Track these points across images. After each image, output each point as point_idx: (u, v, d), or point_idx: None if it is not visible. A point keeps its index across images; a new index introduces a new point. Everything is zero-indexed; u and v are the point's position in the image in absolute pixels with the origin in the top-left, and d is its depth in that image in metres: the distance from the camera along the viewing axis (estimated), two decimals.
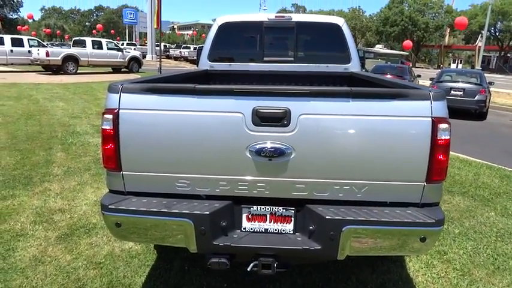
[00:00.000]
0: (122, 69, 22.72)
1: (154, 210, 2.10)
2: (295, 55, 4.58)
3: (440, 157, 2.04)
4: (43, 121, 8.25)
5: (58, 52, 19.67)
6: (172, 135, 2.11)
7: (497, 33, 47.26)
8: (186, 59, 41.07)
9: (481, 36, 48.25)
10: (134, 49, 28.06)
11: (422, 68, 49.15)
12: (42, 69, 20.05)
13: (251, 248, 2.12)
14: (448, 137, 2.03)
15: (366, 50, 35.41)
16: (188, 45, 47.55)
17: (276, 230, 2.22)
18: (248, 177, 2.12)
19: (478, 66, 24.70)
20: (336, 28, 4.51)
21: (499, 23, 44.17)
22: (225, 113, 2.07)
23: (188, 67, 33.84)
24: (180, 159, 2.14)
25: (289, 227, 2.21)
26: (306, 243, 2.12)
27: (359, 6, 64.00)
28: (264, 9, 51.66)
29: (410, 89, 2.16)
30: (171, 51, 45.34)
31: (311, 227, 2.12)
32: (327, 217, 2.04)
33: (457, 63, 59.66)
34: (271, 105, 2.04)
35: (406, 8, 53.54)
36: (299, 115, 2.02)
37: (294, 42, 4.58)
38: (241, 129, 2.05)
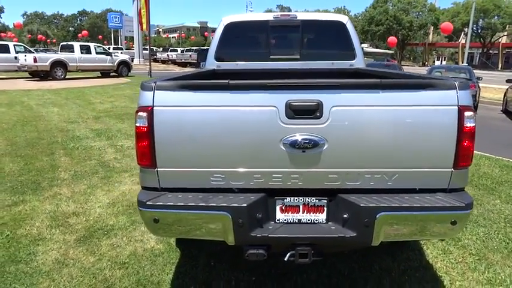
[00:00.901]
0: (111, 74, 22.55)
1: (193, 204, 2.13)
2: (301, 53, 4.65)
3: (466, 144, 2.12)
4: (40, 127, 8.17)
5: (46, 58, 19.44)
6: (206, 130, 2.15)
7: (479, 31, 48.26)
8: (174, 62, 40.93)
9: (464, 34, 49.24)
10: (121, 53, 27.82)
11: (407, 66, 49.82)
12: (29, 76, 19.79)
13: (288, 238, 2.18)
14: (473, 124, 2.12)
15: None
16: (175, 48, 47.32)
17: (309, 220, 2.27)
18: (282, 170, 2.18)
19: (464, 63, 25.16)
20: (341, 25, 4.60)
21: (480, 20, 45.10)
22: (259, 107, 2.12)
23: (177, 70, 33.73)
24: (214, 154, 2.18)
25: (322, 216, 2.27)
26: (341, 231, 2.18)
27: (344, 6, 64.84)
28: (251, 11, 51.79)
29: (434, 79, 2.23)
30: (159, 55, 45.13)
31: (345, 216, 2.18)
32: (361, 205, 2.10)
33: (441, 61, 60.75)
34: (304, 98, 2.10)
35: (391, 7, 54.30)
36: (331, 107, 2.09)
37: (300, 40, 4.65)
38: (275, 123, 2.11)
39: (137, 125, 2.18)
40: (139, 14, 20.93)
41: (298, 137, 2.10)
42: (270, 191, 2.24)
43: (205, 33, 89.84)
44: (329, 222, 2.27)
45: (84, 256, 3.16)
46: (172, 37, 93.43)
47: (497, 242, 3.42)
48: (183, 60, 38.57)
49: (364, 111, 2.11)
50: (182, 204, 2.14)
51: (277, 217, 2.28)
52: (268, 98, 2.12)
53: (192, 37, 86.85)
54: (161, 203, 2.15)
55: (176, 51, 43.52)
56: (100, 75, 22.43)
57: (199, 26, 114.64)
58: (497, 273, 2.94)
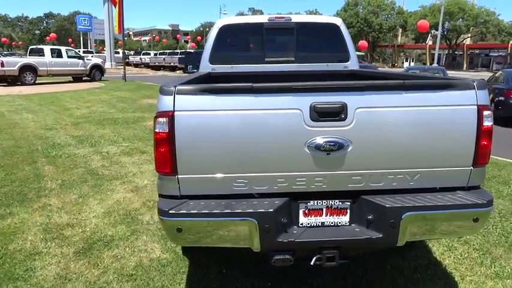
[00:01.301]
0: (84, 78, 21.93)
1: (218, 211, 2.07)
2: (295, 55, 4.65)
3: (485, 142, 2.16)
4: (16, 135, 7.82)
5: (14, 62, 18.71)
6: (229, 135, 2.09)
7: (445, 33, 50.01)
8: (147, 66, 40.28)
9: (431, 36, 50.94)
10: (92, 57, 27.12)
11: (378, 67, 51.06)
12: None
13: (316, 242, 2.15)
14: (491, 123, 2.16)
15: None
16: (148, 52, 46.62)
17: (332, 222, 2.25)
18: (306, 173, 2.15)
19: (435, 63, 26.00)
20: (335, 28, 4.63)
21: (447, 23, 46.76)
22: (283, 110, 2.09)
23: (151, 74, 33.27)
24: (238, 159, 2.12)
25: (345, 219, 2.26)
26: (366, 233, 2.17)
27: (316, 9, 65.52)
28: (225, 14, 51.72)
29: (453, 80, 2.26)
30: (131, 58, 44.31)
31: (369, 217, 2.17)
32: (387, 205, 2.10)
33: (409, 62, 62.51)
34: (328, 100, 2.08)
35: (361, 10, 55.47)
36: (355, 109, 2.08)
37: (294, 42, 4.64)
38: (299, 126, 2.08)
39: (157, 130, 2.10)
40: (118, 18, 20.41)
41: (324, 140, 2.07)
42: (293, 194, 2.20)
43: (178, 35, 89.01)
44: (352, 224, 2.26)
45: (87, 269, 3.02)
46: (144, 40, 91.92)
47: (497, 236, 3.52)
48: (156, 64, 38.02)
49: (388, 113, 2.11)
50: (207, 211, 2.07)
51: (301, 221, 2.25)
52: (292, 100, 2.09)
53: (164, 40, 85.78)
54: (184, 211, 2.08)
55: (149, 54, 42.92)
56: (72, 79, 21.76)
57: (170, 29, 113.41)
58: (502, 266, 3.01)
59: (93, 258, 3.18)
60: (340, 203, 2.24)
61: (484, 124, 2.13)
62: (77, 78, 21.78)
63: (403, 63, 59.43)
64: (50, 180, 5.02)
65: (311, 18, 4.94)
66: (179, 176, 2.14)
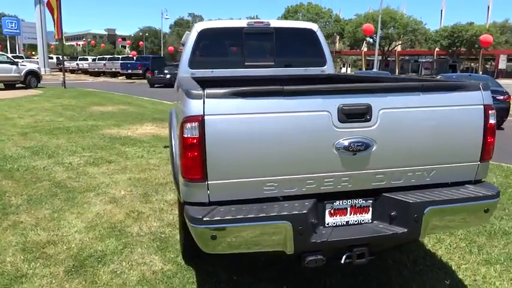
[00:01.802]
0: (17, 85, 20.34)
1: (253, 216, 2.04)
2: (275, 59, 4.71)
3: (490, 138, 2.35)
4: None
5: None
6: (260, 138, 2.08)
7: (379, 40, 53.04)
8: (85, 72, 38.34)
9: (366, 43, 53.87)
10: (22, 62, 25.22)
11: None
12: None
13: (347, 240, 2.20)
14: (494, 121, 2.36)
15: None
16: (85, 57, 44.39)
17: (356, 221, 2.32)
18: (334, 173, 2.20)
19: (375, 69, 27.47)
20: (312, 33, 4.76)
21: (380, 30, 49.70)
22: (312, 112, 2.12)
23: (91, 80, 31.75)
24: (268, 162, 2.12)
25: (367, 216, 2.33)
26: (391, 229, 2.25)
27: (256, 16, 66.37)
28: (167, 18, 50.81)
29: (462, 82, 2.43)
30: (66, 64, 41.82)
31: (392, 213, 2.26)
32: (410, 201, 2.21)
33: (346, 67, 65.59)
34: (355, 102, 2.15)
35: (301, 17, 57.21)
36: (379, 110, 2.16)
37: (273, 47, 4.70)
38: (328, 127, 2.12)
39: (185, 136, 2.04)
40: (57, 20, 19.20)
41: (351, 140, 2.13)
42: (319, 195, 2.23)
43: (119, 39, 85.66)
44: (374, 221, 2.34)
45: None
46: (77, 45, 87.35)
47: (477, 226, 3.80)
48: (96, 70, 36.29)
49: (407, 113, 2.23)
50: (242, 217, 2.04)
51: (327, 221, 2.29)
52: (321, 102, 2.13)
53: (103, 45, 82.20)
54: (219, 218, 2.03)
55: (86, 59, 40.87)
56: (3, 87, 20.10)
57: (106, 33, 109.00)
58: (489, 253, 3.28)
59: (89, 276, 2.97)
60: (364, 201, 2.31)
61: (490, 122, 2.32)
62: (9, 85, 20.14)
63: (340, 68, 62.16)
64: (14, 196, 4.60)
65: (289, 23, 5.04)
66: (209, 182, 2.08)
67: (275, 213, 2.07)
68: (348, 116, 2.13)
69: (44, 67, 35.30)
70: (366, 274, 2.93)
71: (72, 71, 40.27)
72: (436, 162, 2.32)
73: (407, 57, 56.49)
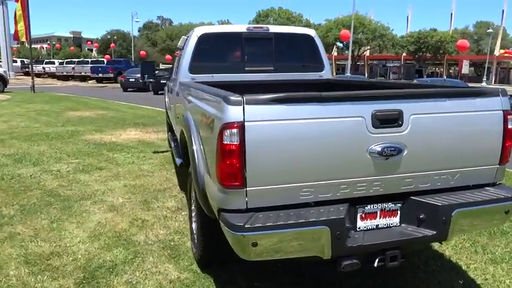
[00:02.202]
0: None
1: (293, 222, 2.05)
2: (274, 64, 4.73)
3: (508, 142, 2.46)
4: None
5: None
6: (298, 144, 2.10)
7: (348, 44, 54.35)
8: (52, 76, 37.03)
9: (336, 47, 54.95)
10: None
11: None
12: None
13: (382, 244, 2.24)
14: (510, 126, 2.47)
15: None
16: (52, 60, 42.90)
17: (385, 224, 2.37)
18: (367, 178, 2.24)
19: (348, 73, 28.05)
20: (310, 38, 4.83)
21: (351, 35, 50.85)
22: (348, 118, 2.15)
23: (59, 84, 30.73)
24: (305, 168, 2.13)
25: (395, 220, 2.38)
26: (420, 231, 2.31)
27: (228, 20, 66.40)
28: (137, 21, 49.86)
29: (482, 88, 2.53)
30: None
31: (421, 216, 2.32)
32: (439, 204, 2.28)
33: None
34: (388, 107, 2.20)
35: (272, 22, 57.75)
36: (410, 115, 2.22)
37: (273, 52, 4.73)
38: (363, 132, 2.16)
39: (225, 142, 2.02)
40: (24, 21, 18.47)
41: (385, 145, 2.18)
42: (351, 200, 2.26)
43: (88, 42, 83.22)
44: (402, 224, 2.39)
45: None
46: (42, 48, 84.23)
47: (496, 227, 3.87)
48: (64, 73, 35.10)
49: (435, 118, 2.30)
50: (282, 223, 2.04)
51: (358, 225, 2.32)
52: (356, 108, 2.16)
53: (72, 48, 79.69)
54: (260, 225, 2.02)
55: (53, 63, 39.49)
56: None
57: (72, 36, 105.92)
58: (493, 253, 3.41)
59: (103, 287, 2.87)
60: (393, 205, 2.37)
61: (509, 126, 2.43)
62: None
63: None
64: (5, 206, 4.38)
65: (287, 29, 5.08)
66: (248, 189, 2.07)
67: (314, 219, 2.08)
68: (381, 121, 2.18)
69: (8, 71, 33.88)
70: (383, 277, 2.98)
71: (38, 75, 38.67)
72: (460, 165, 2.40)
73: (375, 62, 58.02)
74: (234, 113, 2.02)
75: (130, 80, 24.10)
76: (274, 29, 4.76)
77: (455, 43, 42.23)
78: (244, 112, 2.01)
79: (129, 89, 24.06)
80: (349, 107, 2.17)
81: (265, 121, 2.05)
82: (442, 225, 2.29)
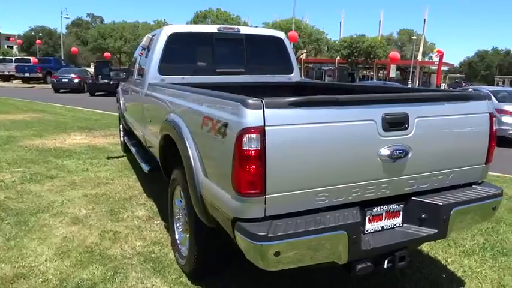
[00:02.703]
0: None
1: (313, 228, 2.00)
2: (245, 66, 4.66)
3: (493, 143, 2.63)
4: None
5: None
6: (316, 148, 2.06)
7: None
8: None
9: None
10: None
11: None
12: None
13: (392, 245, 2.28)
14: (496, 127, 2.64)
15: None
16: None
17: (389, 225, 2.41)
18: (376, 181, 2.26)
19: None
20: (280, 41, 4.83)
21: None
22: (361, 121, 2.16)
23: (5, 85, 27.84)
24: (322, 172, 2.11)
25: (398, 220, 2.44)
26: (424, 231, 2.39)
27: (165, 20, 64.55)
28: (67, 17, 46.59)
29: (471, 93, 2.67)
30: None
31: (423, 215, 2.40)
32: (441, 204, 2.36)
33: None
34: (396, 111, 2.24)
35: (210, 23, 57.46)
36: (415, 118, 2.28)
37: (244, 54, 4.65)
38: (374, 136, 2.18)
39: (244, 148, 1.92)
40: None
41: (394, 148, 2.22)
42: (361, 203, 2.27)
43: (11, 39, 76.11)
44: (404, 225, 2.45)
45: None
46: None
47: (484, 222, 4.08)
48: (5, 73, 31.21)
49: (435, 121, 2.39)
50: (303, 230, 1.98)
51: (366, 228, 2.33)
52: (368, 112, 2.18)
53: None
54: (282, 233, 1.95)
55: None
56: None
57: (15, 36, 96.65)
58: (463, 246, 3.65)
59: None
60: (396, 206, 2.42)
61: (494, 128, 2.59)
62: None
63: None
64: None
65: (257, 30, 5.03)
66: (267, 196, 1.99)
67: (333, 224, 2.05)
68: (390, 124, 2.21)
69: None
70: (376, 278, 3.03)
71: None
72: (455, 165, 2.52)
73: (311, 65, 60.08)
74: (253, 117, 1.92)
75: (63, 80, 22.55)
76: (244, 30, 4.69)
77: (384, 48, 45.14)
78: (264, 116, 1.93)
79: (61, 90, 22.49)
80: (362, 110, 2.17)
81: (284, 125, 1.98)
82: (443, 224, 2.38)
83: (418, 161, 2.35)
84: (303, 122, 2.02)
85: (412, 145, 2.29)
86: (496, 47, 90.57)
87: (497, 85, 57.46)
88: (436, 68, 45.93)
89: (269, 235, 1.92)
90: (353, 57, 49.71)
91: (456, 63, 76.27)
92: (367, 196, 2.27)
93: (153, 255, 3.31)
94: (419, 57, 51.17)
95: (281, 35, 4.88)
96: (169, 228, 3.38)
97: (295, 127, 2.00)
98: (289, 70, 4.91)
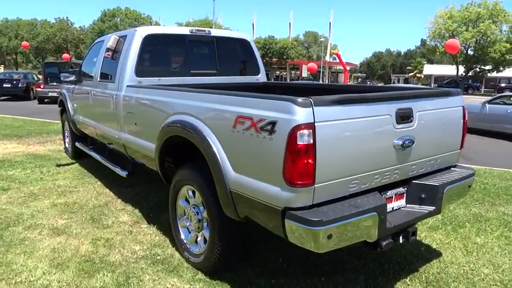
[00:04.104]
0: None
1: (355, 212, 2.27)
2: (217, 68, 4.77)
3: (465, 131, 3.15)
4: None
5: None
6: (351, 141, 2.35)
7: None
8: None
9: None
10: None
11: None
12: None
13: (406, 223, 2.66)
14: (467, 118, 3.17)
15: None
16: None
17: (397, 206, 2.80)
18: (390, 167, 2.62)
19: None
20: (246, 43, 5.04)
21: None
22: (382, 116, 2.49)
23: None
24: (355, 162, 2.39)
25: (402, 201, 2.83)
26: (425, 209, 2.80)
27: (67, 17, 59.85)
28: None
29: (451, 89, 3.16)
30: None
31: (423, 195, 2.82)
32: (437, 184, 2.80)
33: None
34: (404, 106, 2.62)
35: (119, 22, 54.83)
36: (417, 112, 2.68)
37: (215, 55, 4.76)
38: (391, 128, 2.54)
39: (299, 143, 2.12)
40: None
41: (404, 138, 2.59)
42: (378, 188, 2.61)
43: None
44: (408, 205, 2.85)
45: None
46: None
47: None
48: None
49: (429, 114, 2.82)
50: (348, 213, 2.25)
51: None
52: (387, 107, 2.52)
53: None
54: (333, 217, 2.18)
55: None
56: None
57: None
58: (427, 222, 4.21)
59: None
60: (402, 188, 2.80)
61: (465, 118, 3.12)
62: None
63: None
64: None
65: (225, 33, 5.16)
66: (315, 186, 2.21)
67: (368, 207, 2.34)
68: (402, 118, 2.58)
69: None
70: (374, 256, 3.40)
71: None
72: (442, 151, 2.99)
73: None
74: (305, 114, 2.13)
75: (50, 84, 19.45)
76: (214, 32, 4.80)
77: (295, 50, 47.41)
78: (313, 113, 2.14)
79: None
80: (383, 106, 2.50)
81: (329, 121, 2.22)
82: (439, 201, 2.83)
83: (418, 149, 2.75)
84: (342, 118, 2.28)
85: (415, 135, 2.68)
86: (389, 49, 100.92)
87: (394, 83, 64.22)
88: (343, 68, 49.66)
89: (324, 220, 2.14)
90: (267, 58, 51.37)
91: (358, 64, 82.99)
92: (384, 181, 2.61)
93: (158, 257, 3.30)
94: (327, 58, 54.70)
95: (247, 37, 5.08)
96: (173, 229, 3.38)
97: (337, 122, 2.25)
98: (257, 71, 5.14)
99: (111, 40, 4.58)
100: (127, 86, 4.06)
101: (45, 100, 18.11)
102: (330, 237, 2.18)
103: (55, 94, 17.35)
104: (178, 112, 3.12)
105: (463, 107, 3.10)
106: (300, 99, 2.15)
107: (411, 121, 2.65)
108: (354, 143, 2.35)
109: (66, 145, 6.83)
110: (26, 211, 4.20)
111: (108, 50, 4.62)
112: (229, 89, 4.61)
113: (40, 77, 24.82)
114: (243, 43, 5.03)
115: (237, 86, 4.81)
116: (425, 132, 2.77)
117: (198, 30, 4.67)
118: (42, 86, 17.87)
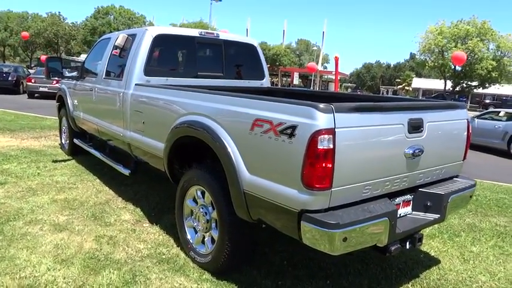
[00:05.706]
0: None
1: (368, 216, 2.34)
2: (224, 71, 4.81)
3: (468, 143, 3.26)
4: None
5: None
6: (366, 147, 2.42)
7: None
8: None
9: None
10: None
11: None
12: None
13: (413, 229, 2.73)
14: (471, 131, 3.28)
15: (72, 60, 33.62)
16: None
17: (404, 213, 2.87)
18: (400, 175, 2.70)
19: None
20: (253, 47, 5.10)
21: None
22: (395, 125, 2.57)
23: None
24: (369, 168, 2.46)
25: (409, 209, 2.91)
26: (431, 216, 2.88)
27: (59, 12, 59.09)
28: None
29: (456, 103, 3.26)
30: None
31: (428, 203, 2.90)
32: (443, 193, 2.89)
33: None
34: (415, 116, 2.70)
35: (113, 20, 54.43)
36: (427, 123, 2.77)
37: (222, 58, 4.80)
38: (403, 137, 2.62)
39: (320, 147, 2.17)
40: None
41: (415, 147, 2.67)
42: (388, 194, 2.68)
43: None
44: (414, 212, 2.92)
45: None
46: None
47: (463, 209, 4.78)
48: None
49: (438, 125, 2.91)
50: (363, 217, 2.31)
51: None
52: (400, 117, 2.61)
53: None
54: (349, 221, 2.24)
55: None
56: None
57: None
58: (424, 231, 4.30)
59: None
60: (410, 196, 2.88)
61: (470, 131, 3.23)
62: None
63: None
64: None
65: (233, 36, 5.19)
66: (332, 189, 2.26)
67: (380, 212, 2.41)
68: (413, 128, 2.66)
69: None
70: (375, 260, 3.47)
71: None
72: (446, 162, 3.08)
73: None
74: (326, 120, 2.19)
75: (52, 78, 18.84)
76: (222, 36, 4.85)
77: (288, 57, 47.72)
78: (334, 119, 2.20)
79: None
80: (396, 116, 2.58)
81: (348, 127, 2.28)
82: (443, 210, 2.91)
83: (426, 158, 2.83)
84: (359, 125, 2.35)
85: (424, 145, 2.77)
86: (379, 61, 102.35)
87: (383, 94, 65.15)
88: (333, 77, 50.21)
89: (340, 223, 2.20)
90: None
91: (348, 74, 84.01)
92: (394, 188, 2.68)
93: (163, 257, 3.31)
94: (319, 67, 55.23)
95: (254, 42, 5.14)
96: (179, 229, 3.40)
97: (355, 129, 2.32)
98: (262, 76, 5.20)
99: (119, 38, 4.59)
100: (135, 84, 4.07)
101: (35, 95, 17.75)
102: (345, 240, 2.24)
103: (46, 89, 17.29)
104: (192, 112, 3.15)
105: (467, 120, 3.21)
106: (321, 105, 2.21)
107: (421, 131, 2.73)
108: (369, 150, 2.42)
109: (63, 141, 6.76)
110: (26, 206, 4.16)
111: (116, 47, 4.63)
112: (237, 92, 4.69)
113: (31, 71, 24.45)
114: (250, 48, 5.09)
115: (243, 90, 4.86)
116: (434, 142, 2.86)
117: (207, 33, 4.71)
118: (33, 81, 17.60)
